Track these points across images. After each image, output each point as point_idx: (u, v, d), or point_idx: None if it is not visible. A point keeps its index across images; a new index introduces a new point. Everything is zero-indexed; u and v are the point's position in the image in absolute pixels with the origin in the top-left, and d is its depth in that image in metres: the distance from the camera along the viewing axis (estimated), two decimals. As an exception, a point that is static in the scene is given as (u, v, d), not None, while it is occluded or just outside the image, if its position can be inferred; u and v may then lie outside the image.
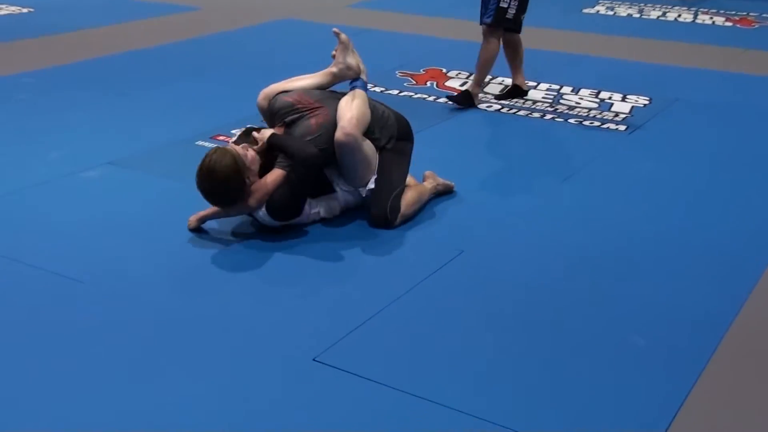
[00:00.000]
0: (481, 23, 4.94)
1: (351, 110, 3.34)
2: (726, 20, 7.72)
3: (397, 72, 5.69)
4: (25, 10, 7.54)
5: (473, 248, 3.24)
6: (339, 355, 2.54)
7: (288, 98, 3.46)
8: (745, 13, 7.99)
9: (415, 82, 5.49)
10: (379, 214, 3.37)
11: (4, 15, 7.38)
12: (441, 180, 3.71)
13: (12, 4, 7.71)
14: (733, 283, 3.02)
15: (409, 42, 6.69)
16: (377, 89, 5.25)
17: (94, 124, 4.61)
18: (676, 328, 2.74)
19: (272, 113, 3.47)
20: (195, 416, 2.28)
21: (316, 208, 3.36)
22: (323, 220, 3.41)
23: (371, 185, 3.39)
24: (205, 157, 3.16)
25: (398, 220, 3.39)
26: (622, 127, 4.69)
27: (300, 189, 3.24)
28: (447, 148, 4.35)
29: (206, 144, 4.10)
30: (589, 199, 3.74)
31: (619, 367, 2.53)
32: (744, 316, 2.81)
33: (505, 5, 4.78)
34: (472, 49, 6.43)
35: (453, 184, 3.75)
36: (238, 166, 3.13)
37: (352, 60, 3.59)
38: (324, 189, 3.39)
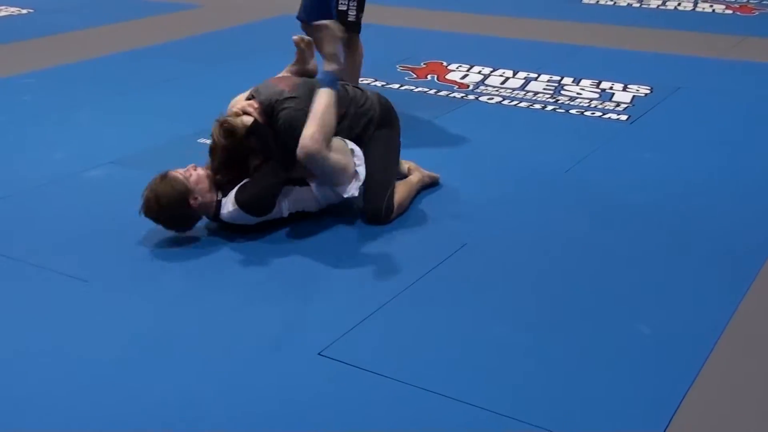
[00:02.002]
0: None
1: (314, 119, 3.15)
2: (726, 8, 7.71)
3: (397, 66, 5.69)
4: (24, 11, 7.55)
5: (476, 240, 3.25)
6: (344, 349, 2.56)
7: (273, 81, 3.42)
8: (745, 1, 7.98)
9: (415, 76, 5.50)
10: (375, 214, 3.33)
11: (5, 16, 7.40)
12: (426, 172, 3.69)
13: (12, 5, 7.72)
14: (736, 272, 3.03)
15: (410, 36, 6.69)
16: (378, 83, 5.25)
17: (97, 123, 4.62)
18: (678, 319, 2.75)
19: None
20: (201, 412, 2.30)
21: (287, 202, 3.26)
22: (301, 215, 3.33)
23: (353, 190, 3.27)
24: (147, 186, 3.15)
25: (393, 217, 3.37)
26: (624, 117, 4.69)
27: (273, 183, 3.18)
28: (448, 140, 4.36)
29: (208, 141, 4.11)
30: (592, 190, 3.75)
31: (624, 355, 2.54)
32: (745, 306, 2.82)
33: (344, 8, 4.42)
34: (473, 42, 6.46)
35: (438, 176, 3.72)
36: (177, 192, 3.11)
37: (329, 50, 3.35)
38: (295, 182, 3.29)
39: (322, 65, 3.38)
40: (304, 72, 3.62)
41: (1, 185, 3.75)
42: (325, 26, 3.40)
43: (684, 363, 2.50)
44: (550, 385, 2.41)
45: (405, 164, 3.69)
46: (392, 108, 3.58)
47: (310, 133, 3.12)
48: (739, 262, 3.10)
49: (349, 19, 4.43)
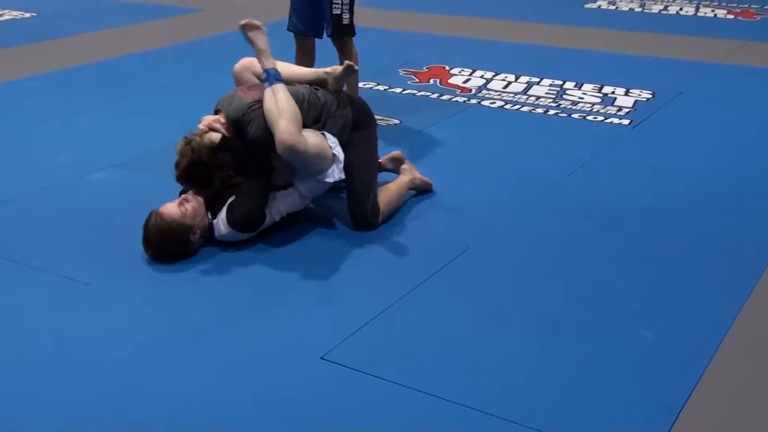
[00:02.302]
0: (329, 36, 4.49)
1: (280, 114, 3.08)
2: (728, 13, 7.71)
3: (400, 70, 5.69)
4: (27, 15, 7.56)
5: (478, 244, 3.25)
6: (347, 353, 2.55)
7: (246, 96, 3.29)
8: (746, 6, 7.99)
9: (418, 80, 5.50)
10: (361, 218, 3.31)
11: (7, 20, 7.40)
12: (419, 174, 3.64)
13: (15, 9, 7.73)
14: (738, 276, 3.02)
15: (412, 40, 6.70)
16: (380, 87, 5.26)
17: (100, 127, 4.62)
18: (681, 322, 2.75)
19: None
20: (203, 415, 2.30)
21: (276, 208, 3.23)
22: (292, 222, 3.32)
23: (336, 174, 3.22)
24: (144, 227, 3.08)
25: (380, 221, 3.34)
26: (626, 121, 4.69)
27: (259, 196, 3.15)
28: (450, 145, 4.36)
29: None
30: (594, 194, 3.75)
31: (626, 360, 2.54)
32: (748, 309, 2.82)
33: (338, 11, 4.40)
34: (475, 46, 6.46)
35: (431, 181, 3.67)
36: (177, 233, 3.05)
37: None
38: (278, 187, 3.25)
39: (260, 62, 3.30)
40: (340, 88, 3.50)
41: (4, 188, 3.75)
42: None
43: (686, 367, 2.50)
44: (551, 389, 2.41)
45: (398, 161, 3.66)
46: (367, 108, 3.49)
47: (283, 127, 3.04)
48: (742, 266, 3.09)
49: (343, 22, 4.45)
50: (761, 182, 3.88)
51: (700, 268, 3.10)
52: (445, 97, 5.14)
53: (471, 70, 5.67)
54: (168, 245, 3.08)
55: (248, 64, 3.50)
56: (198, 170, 3.15)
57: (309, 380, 2.44)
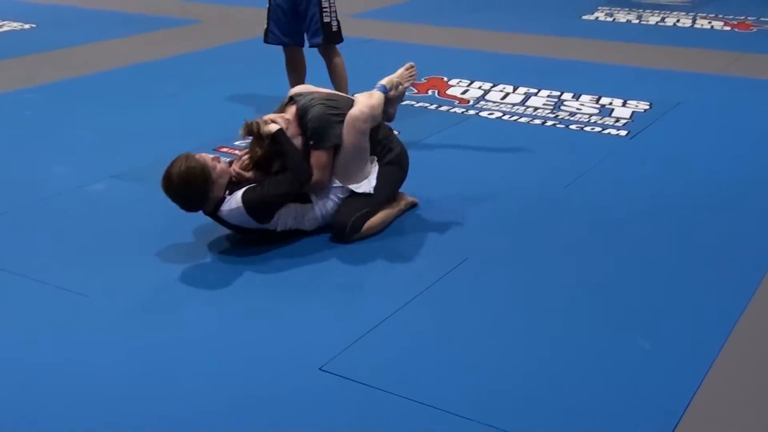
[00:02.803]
0: (310, 45, 4.67)
1: (369, 99, 3.43)
2: (724, 24, 7.74)
3: (398, 81, 5.70)
4: (27, 26, 7.58)
5: (477, 255, 3.26)
6: (346, 364, 2.55)
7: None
8: (743, 17, 8.02)
9: (416, 91, 5.51)
10: (339, 226, 3.32)
11: (7, 31, 7.42)
12: (409, 199, 3.66)
13: (14, 20, 7.76)
14: (736, 286, 3.03)
15: (410, 51, 6.70)
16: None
17: (98, 137, 4.63)
18: (680, 329, 2.75)
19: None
20: (201, 426, 2.29)
21: (284, 217, 3.27)
22: (299, 232, 3.34)
23: (365, 187, 3.37)
24: (170, 164, 3.16)
25: (354, 237, 3.34)
26: (623, 132, 4.70)
27: (282, 191, 3.21)
28: (448, 155, 4.37)
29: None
30: (592, 204, 3.76)
31: (624, 370, 2.54)
32: (746, 318, 2.82)
33: (328, 20, 4.55)
34: (473, 58, 6.48)
35: (417, 200, 3.69)
36: (204, 175, 3.12)
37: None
38: (298, 197, 3.31)
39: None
40: (385, 116, 3.63)
41: (3, 199, 3.76)
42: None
43: (686, 375, 2.50)
44: (551, 399, 2.41)
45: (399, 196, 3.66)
46: (408, 157, 3.63)
47: (366, 102, 3.40)
48: (739, 276, 3.10)
49: (333, 29, 4.54)
50: (758, 191, 3.89)
51: (698, 276, 3.11)
52: (443, 108, 5.15)
53: (469, 81, 5.69)
54: (188, 183, 3.11)
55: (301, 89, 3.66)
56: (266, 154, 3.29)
57: (307, 391, 2.44)
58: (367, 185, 3.40)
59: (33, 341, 2.69)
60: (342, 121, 3.34)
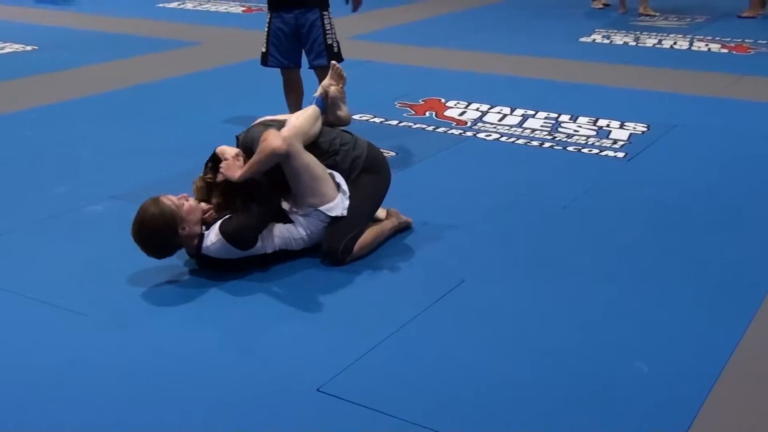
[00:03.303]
0: (311, 66, 4.72)
1: (295, 121, 3.35)
2: (722, 47, 7.79)
3: (396, 102, 5.74)
4: (29, 48, 7.63)
5: (474, 276, 3.27)
6: (343, 386, 2.56)
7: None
8: (740, 40, 8.07)
9: (414, 113, 5.54)
10: (330, 252, 3.31)
11: (9, 53, 7.47)
12: (403, 218, 3.64)
13: (16, 42, 7.80)
14: (736, 307, 3.04)
15: (408, 73, 6.76)
16: (377, 120, 5.30)
17: (98, 158, 4.66)
18: (678, 354, 2.75)
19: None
20: (201, 448, 2.30)
21: (271, 239, 3.27)
22: (292, 253, 3.34)
23: (341, 209, 3.31)
24: (139, 209, 3.15)
25: (348, 259, 3.33)
26: (621, 154, 4.73)
27: (257, 218, 3.19)
28: (446, 177, 4.39)
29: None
30: (589, 226, 3.77)
31: (622, 393, 2.55)
32: (747, 340, 2.82)
33: (331, 41, 4.64)
34: (471, 80, 6.52)
35: (411, 220, 3.68)
36: (166, 218, 3.10)
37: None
38: (279, 218, 3.31)
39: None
40: (337, 120, 3.66)
41: (3, 220, 3.77)
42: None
43: (684, 402, 2.50)
44: (550, 423, 2.41)
45: (382, 211, 3.63)
46: (383, 158, 3.60)
47: (284, 130, 3.25)
48: (738, 299, 3.11)
49: (334, 50, 4.67)
50: (756, 213, 3.90)
51: (698, 297, 3.12)
52: (440, 130, 5.18)
53: (467, 103, 5.72)
54: (154, 228, 3.10)
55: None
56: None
57: (304, 413, 2.44)
58: (340, 207, 3.33)
59: (31, 360, 2.70)
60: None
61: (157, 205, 3.13)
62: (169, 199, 3.17)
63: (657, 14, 9.34)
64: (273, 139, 3.18)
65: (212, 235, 3.17)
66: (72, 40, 8.04)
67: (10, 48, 7.61)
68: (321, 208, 3.30)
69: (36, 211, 3.87)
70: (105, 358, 2.72)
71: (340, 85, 3.72)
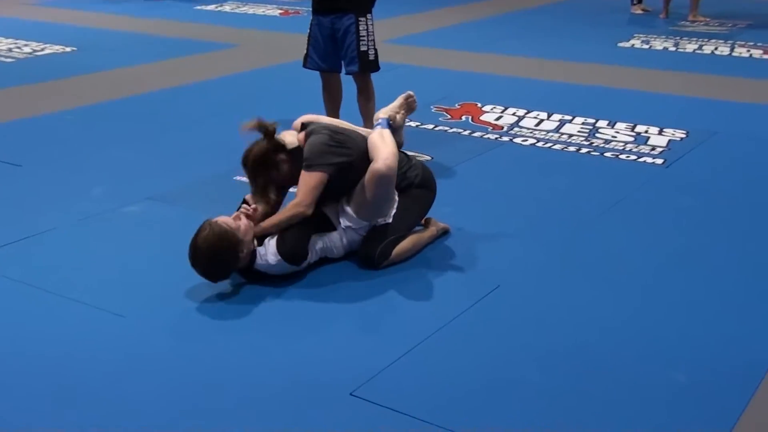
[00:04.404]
0: (347, 73, 4.70)
1: (388, 145, 3.33)
2: (763, 53, 7.67)
3: (432, 107, 5.73)
4: (68, 49, 7.73)
5: (510, 282, 3.24)
6: (376, 390, 2.55)
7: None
8: (782, 46, 7.94)
9: (450, 117, 5.53)
10: (367, 255, 3.32)
11: (48, 54, 7.57)
12: (441, 225, 3.64)
13: (56, 44, 7.91)
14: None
15: (444, 77, 6.74)
16: (413, 124, 5.29)
17: (135, 159, 4.70)
18: (716, 365, 2.71)
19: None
20: (234, 450, 2.30)
21: (314, 248, 3.29)
22: (325, 260, 3.35)
23: (389, 218, 3.38)
24: (195, 235, 3.07)
25: (384, 264, 3.33)
26: (660, 161, 4.67)
27: (306, 232, 3.22)
28: (481, 182, 4.36)
29: (244, 179, 4.15)
30: (626, 234, 3.72)
31: (659, 404, 2.51)
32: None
33: (365, 48, 4.59)
34: (508, 84, 6.49)
35: (449, 227, 3.68)
36: (230, 244, 3.06)
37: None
38: (321, 226, 3.32)
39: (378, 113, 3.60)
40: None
41: (41, 220, 3.81)
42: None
43: (721, 413, 2.46)
44: (587, 430, 2.38)
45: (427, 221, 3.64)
46: (433, 176, 3.63)
47: (388, 152, 3.28)
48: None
49: (370, 58, 4.59)
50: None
51: (737, 307, 3.06)
52: (476, 134, 5.15)
53: (503, 108, 5.69)
54: (217, 252, 3.05)
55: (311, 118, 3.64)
56: (261, 160, 3.35)
57: (337, 417, 2.44)
58: (388, 216, 3.40)
59: (69, 360, 2.72)
60: (342, 154, 3.30)
61: (217, 230, 3.06)
62: (227, 224, 3.10)
63: (707, 19, 9.19)
64: (380, 166, 3.23)
65: (270, 255, 3.16)
66: (111, 42, 8.14)
67: (50, 49, 7.72)
68: (379, 220, 3.36)
69: (73, 212, 3.90)
70: (140, 358, 2.73)
71: (404, 113, 3.69)
